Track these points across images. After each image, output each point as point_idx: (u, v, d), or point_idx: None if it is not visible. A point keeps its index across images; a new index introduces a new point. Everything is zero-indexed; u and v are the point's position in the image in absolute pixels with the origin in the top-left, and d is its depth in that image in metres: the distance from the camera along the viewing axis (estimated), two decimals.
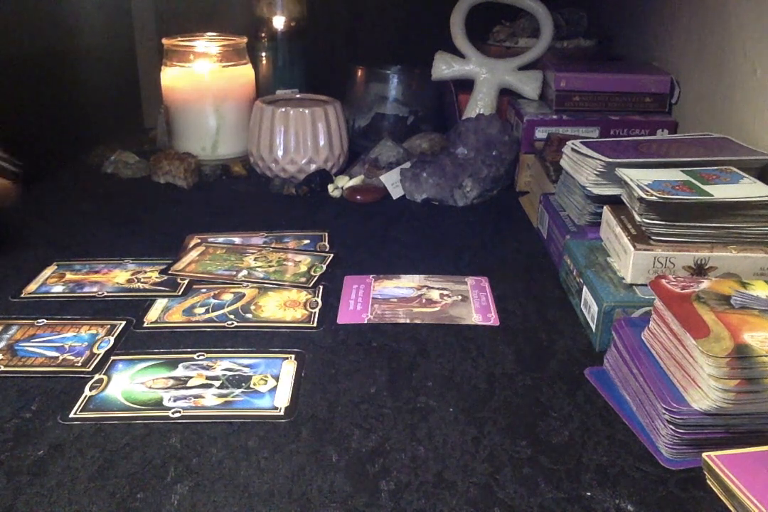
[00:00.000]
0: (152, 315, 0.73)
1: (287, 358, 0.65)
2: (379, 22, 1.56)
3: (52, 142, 1.21)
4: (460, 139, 1.08)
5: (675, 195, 0.67)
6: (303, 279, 0.80)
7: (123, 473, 0.51)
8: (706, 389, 0.51)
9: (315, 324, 0.71)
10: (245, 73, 1.20)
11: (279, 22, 1.26)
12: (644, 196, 0.67)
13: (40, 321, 0.71)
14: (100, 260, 0.85)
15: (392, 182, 1.07)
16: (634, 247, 0.68)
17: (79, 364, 0.64)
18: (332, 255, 0.87)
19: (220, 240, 0.91)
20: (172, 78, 1.17)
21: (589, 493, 0.50)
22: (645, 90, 1.08)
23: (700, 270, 0.67)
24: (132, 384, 0.61)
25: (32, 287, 0.78)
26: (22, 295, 0.77)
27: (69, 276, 0.81)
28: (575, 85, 1.08)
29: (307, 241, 0.91)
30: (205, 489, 0.50)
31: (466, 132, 1.08)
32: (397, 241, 0.92)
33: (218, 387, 0.61)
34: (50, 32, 1.25)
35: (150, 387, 0.61)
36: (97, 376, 0.62)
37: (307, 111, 1.10)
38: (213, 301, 0.76)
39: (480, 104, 1.18)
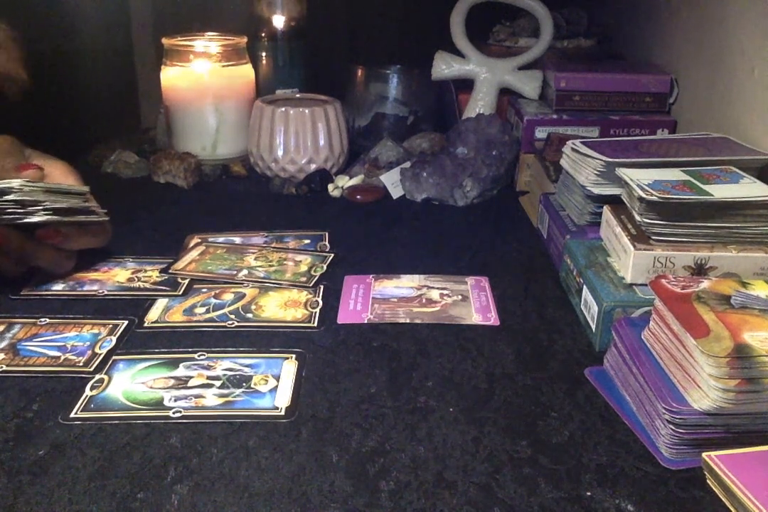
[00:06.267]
0: (153, 314, 0.73)
1: (288, 358, 0.65)
2: (379, 22, 1.56)
3: (51, 141, 1.20)
4: (460, 138, 1.08)
5: (675, 195, 0.67)
6: (303, 279, 0.80)
7: (123, 473, 0.51)
8: (706, 389, 0.51)
9: (315, 324, 0.71)
10: (245, 72, 1.20)
11: (279, 21, 1.26)
12: (644, 195, 0.67)
13: (42, 320, 0.71)
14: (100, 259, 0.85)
15: (392, 182, 1.07)
16: (634, 246, 0.68)
17: (81, 364, 0.64)
18: (332, 255, 0.87)
19: (221, 239, 0.91)
20: (171, 78, 1.17)
21: (589, 493, 0.50)
22: (645, 90, 1.08)
23: (700, 270, 0.67)
24: (133, 384, 0.61)
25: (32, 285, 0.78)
26: (22, 293, 0.77)
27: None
28: (575, 84, 1.08)
29: (307, 241, 0.91)
30: (205, 489, 0.50)
31: (466, 132, 1.08)
32: (397, 241, 0.92)
33: (219, 387, 0.61)
34: (48, 32, 1.25)
35: (151, 387, 0.61)
36: (98, 376, 0.62)
37: (307, 111, 1.10)
38: (214, 301, 0.76)
39: (480, 104, 1.18)
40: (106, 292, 0.77)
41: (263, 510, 0.48)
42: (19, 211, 0.72)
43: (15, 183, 0.72)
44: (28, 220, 0.72)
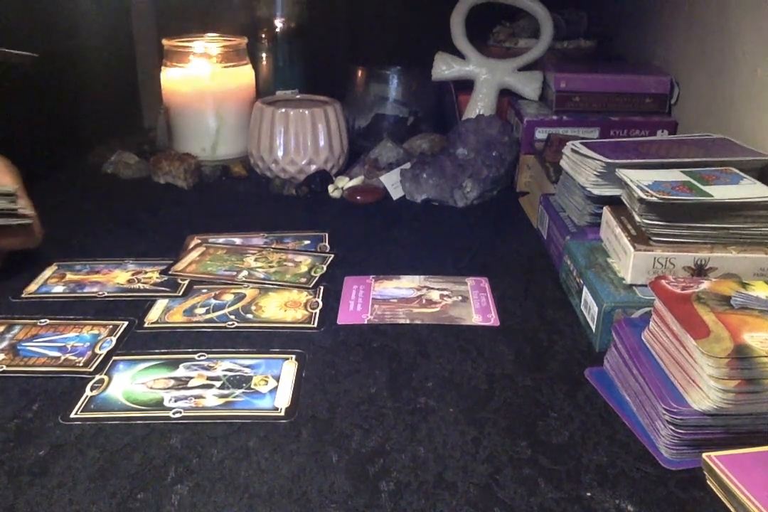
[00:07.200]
0: (153, 315, 0.73)
1: (288, 359, 0.65)
2: (379, 22, 1.56)
3: (52, 142, 1.20)
4: (460, 139, 1.08)
5: (675, 195, 0.68)
6: (303, 280, 0.80)
7: (123, 473, 0.51)
8: (706, 389, 0.51)
9: (315, 325, 0.72)
10: (245, 73, 1.20)
11: (279, 22, 1.26)
12: (644, 196, 0.67)
13: (42, 321, 0.71)
14: (101, 260, 0.85)
15: (392, 183, 1.07)
16: (634, 247, 0.68)
17: (81, 364, 0.64)
18: (332, 255, 0.87)
19: (221, 240, 0.91)
20: (172, 79, 1.17)
21: (589, 493, 0.50)
22: (645, 90, 1.08)
23: (700, 270, 0.67)
24: (133, 385, 0.61)
25: (33, 287, 0.78)
26: (23, 295, 0.77)
27: (69, 276, 0.81)
28: (575, 85, 1.08)
29: (307, 242, 0.91)
30: (205, 490, 0.50)
31: (466, 132, 1.08)
32: (397, 242, 0.92)
33: (219, 388, 0.61)
34: (49, 33, 1.25)
35: (151, 388, 0.61)
36: (98, 377, 0.62)
37: (307, 112, 1.10)
38: (214, 302, 0.76)
39: (480, 105, 1.18)
40: (106, 294, 0.77)
41: (263, 510, 0.48)
42: None
43: None
44: None
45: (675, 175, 0.73)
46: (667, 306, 0.57)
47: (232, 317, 0.73)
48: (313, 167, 1.11)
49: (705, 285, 0.60)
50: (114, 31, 1.43)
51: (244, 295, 0.77)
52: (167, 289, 0.78)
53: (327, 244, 0.91)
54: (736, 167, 0.76)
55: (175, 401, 0.59)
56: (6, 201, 0.77)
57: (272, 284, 0.80)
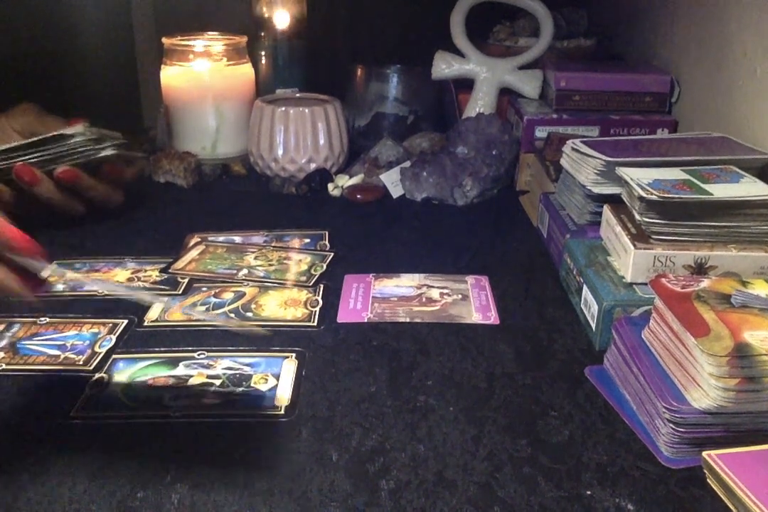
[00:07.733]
0: (153, 313, 0.73)
1: (288, 357, 0.65)
2: (379, 22, 1.56)
3: None
4: (460, 138, 1.08)
5: (675, 194, 0.67)
6: (303, 278, 0.80)
7: (123, 472, 0.51)
8: (707, 388, 0.51)
9: (315, 323, 0.71)
10: (245, 72, 1.20)
11: (279, 21, 1.26)
12: (644, 195, 0.67)
13: (42, 319, 0.71)
14: (101, 259, 0.85)
15: (392, 181, 1.07)
16: (635, 245, 0.68)
17: (81, 363, 0.64)
18: (332, 254, 0.87)
19: (221, 239, 0.91)
20: (171, 77, 1.17)
21: (589, 492, 0.50)
22: (645, 89, 1.08)
23: (700, 269, 0.67)
24: (132, 383, 0.61)
25: None
26: None
27: (69, 274, 0.81)
28: (575, 84, 1.08)
29: (307, 240, 0.91)
30: (205, 488, 0.50)
31: (466, 131, 1.08)
32: (397, 240, 0.92)
33: (219, 386, 0.61)
34: (49, 32, 1.25)
35: (150, 386, 0.61)
36: (97, 375, 0.62)
37: (307, 110, 1.10)
38: (213, 300, 0.76)
39: (480, 103, 1.18)
40: (106, 292, 0.77)
41: (263, 509, 0.48)
42: (95, 147, 0.87)
43: (79, 128, 0.86)
44: (103, 154, 0.87)
45: (675, 174, 0.73)
46: (667, 304, 0.57)
47: (232, 315, 0.73)
48: (313, 166, 1.11)
49: (705, 283, 0.60)
50: (114, 30, 1.43)
51: (244, 294, 0.77)
52: (167, 288, 0.78)
53: (327, 242, 0.91)
54: (737, 166, 0.76)
55: (175, 399, 0.59)
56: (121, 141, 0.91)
57: (272, 282, 0.79)
